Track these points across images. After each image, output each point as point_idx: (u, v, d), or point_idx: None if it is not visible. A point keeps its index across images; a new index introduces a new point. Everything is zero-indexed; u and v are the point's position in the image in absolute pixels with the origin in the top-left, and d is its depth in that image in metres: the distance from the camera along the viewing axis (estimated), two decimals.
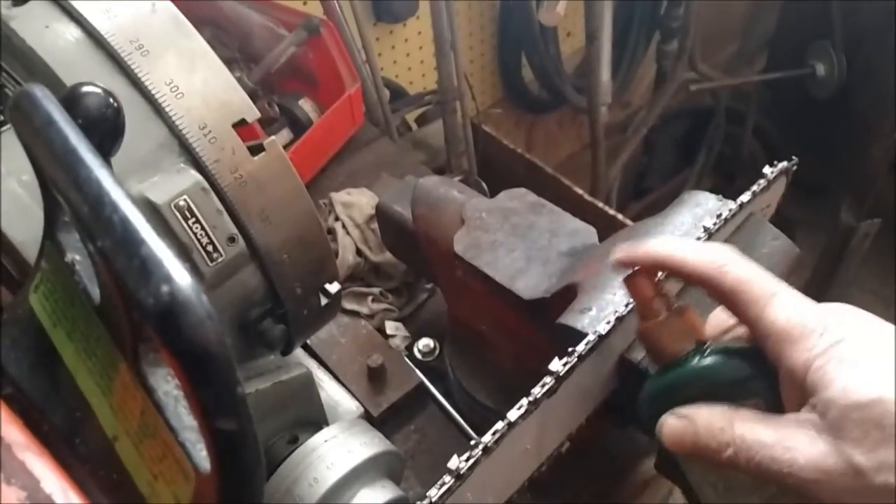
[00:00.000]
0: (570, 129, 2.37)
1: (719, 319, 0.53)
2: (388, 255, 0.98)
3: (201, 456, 0.33)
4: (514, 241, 0.76)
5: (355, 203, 1.02)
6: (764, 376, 0.47)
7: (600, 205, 1.28)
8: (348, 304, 0.97)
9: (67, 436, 0.39)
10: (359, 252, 0.99)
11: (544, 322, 0.69)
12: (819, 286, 2.19)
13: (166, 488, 0.35)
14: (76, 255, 0.39)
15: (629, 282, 0.52)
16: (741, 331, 0.50)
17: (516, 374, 0.79)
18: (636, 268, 0.52)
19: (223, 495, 0.31)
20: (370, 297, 0.97)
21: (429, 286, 1.01)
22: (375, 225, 0.98)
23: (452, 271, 0.79)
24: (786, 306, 0.46)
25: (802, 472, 0.42)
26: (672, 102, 2.17)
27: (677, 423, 0.48)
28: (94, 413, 0.38)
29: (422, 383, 0.89)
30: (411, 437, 0.88)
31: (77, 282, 0.38)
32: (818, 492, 0.42)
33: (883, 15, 1.95)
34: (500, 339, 0.80)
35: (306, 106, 1.18)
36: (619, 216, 1.22)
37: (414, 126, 1.63)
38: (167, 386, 0.35)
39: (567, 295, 0.69)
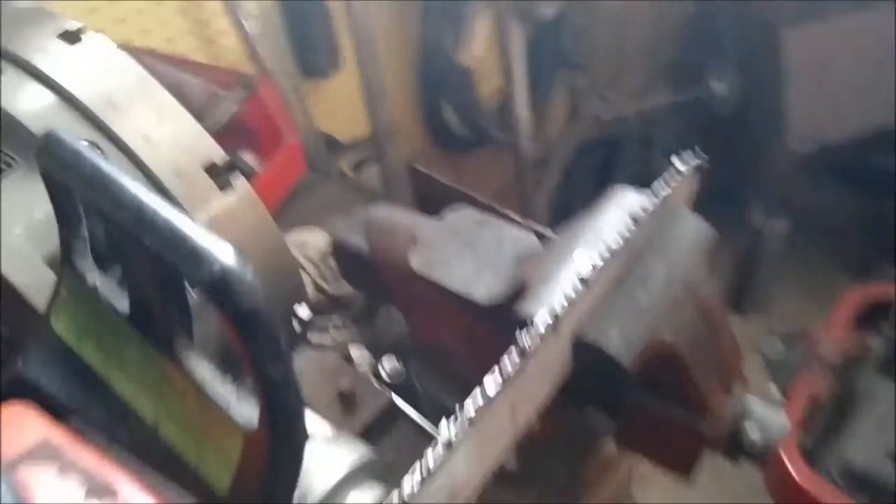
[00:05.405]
0: (495, 166, 2.47)
1: None
2: (345, 286, 1.03)
3: (244, 417, 0.38)
4: (465, 253, 0.83)
5: (308, 242, 1.07)
6: None
7: (534, 225, 1.35)
8: (313, 338, 1.01)
9: (108, 429, 0.43)
10: (318, 287, 1.04)
11: (502, 323, 0.76)
12: (739, 287, 2.35)
13: (214, 454, 0.40)
14: (96, 279, 0.43)
15: None
16: None
17: (480, 377, 0.84)
18: None
19: (270, 439, 0.36)
20: (333, 328, 1.02)
21: (387, 310, 1.06)
22: (331, 260, 1.03)
23: (410, 289, 0.85)
24: None
25: None
26: (591, 133, 2.28)
27: None
28: (131, 407, 0.42)
29: (392, 401, 0.94)
30: (387, 453, 0.92)
31: (101, 300, 0.43)
32: None
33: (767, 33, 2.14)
34: (461, 346, 0.86)
35: (248, 159, 1.24)
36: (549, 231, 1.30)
37: (351, 175, 1.69)
38: (202, 366, 0.40)
39: (520, 295, 0.76)
